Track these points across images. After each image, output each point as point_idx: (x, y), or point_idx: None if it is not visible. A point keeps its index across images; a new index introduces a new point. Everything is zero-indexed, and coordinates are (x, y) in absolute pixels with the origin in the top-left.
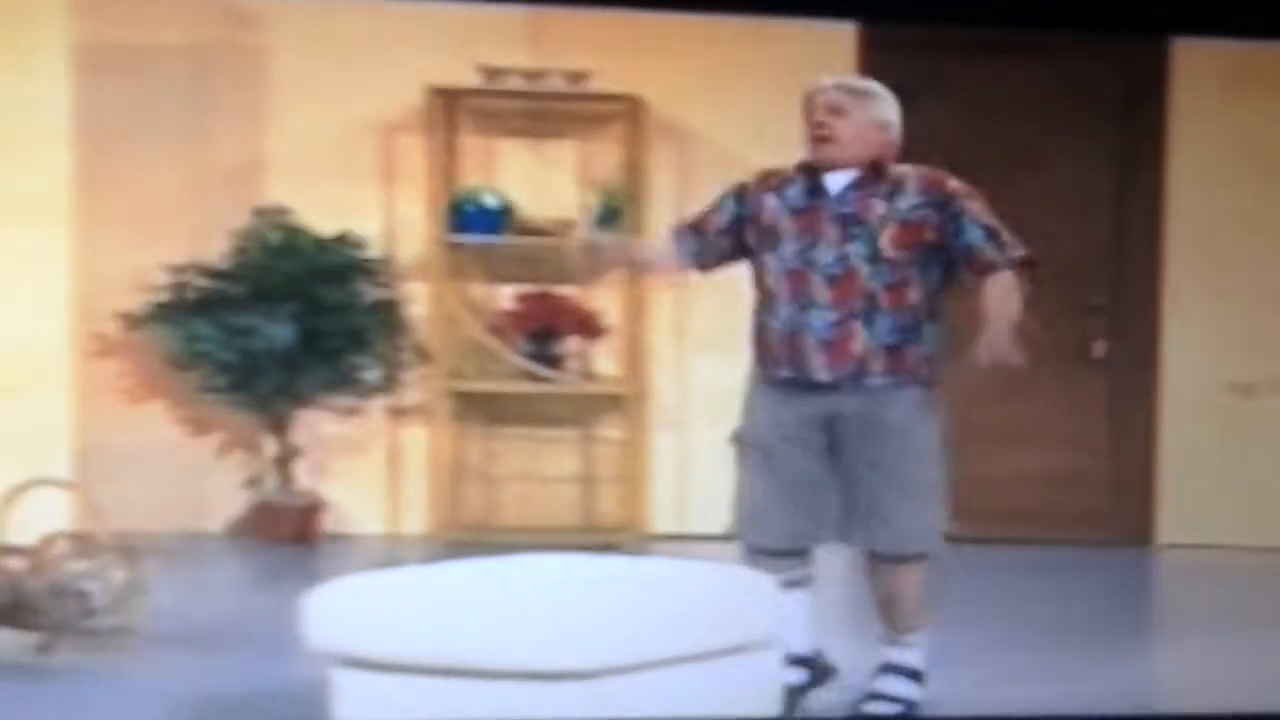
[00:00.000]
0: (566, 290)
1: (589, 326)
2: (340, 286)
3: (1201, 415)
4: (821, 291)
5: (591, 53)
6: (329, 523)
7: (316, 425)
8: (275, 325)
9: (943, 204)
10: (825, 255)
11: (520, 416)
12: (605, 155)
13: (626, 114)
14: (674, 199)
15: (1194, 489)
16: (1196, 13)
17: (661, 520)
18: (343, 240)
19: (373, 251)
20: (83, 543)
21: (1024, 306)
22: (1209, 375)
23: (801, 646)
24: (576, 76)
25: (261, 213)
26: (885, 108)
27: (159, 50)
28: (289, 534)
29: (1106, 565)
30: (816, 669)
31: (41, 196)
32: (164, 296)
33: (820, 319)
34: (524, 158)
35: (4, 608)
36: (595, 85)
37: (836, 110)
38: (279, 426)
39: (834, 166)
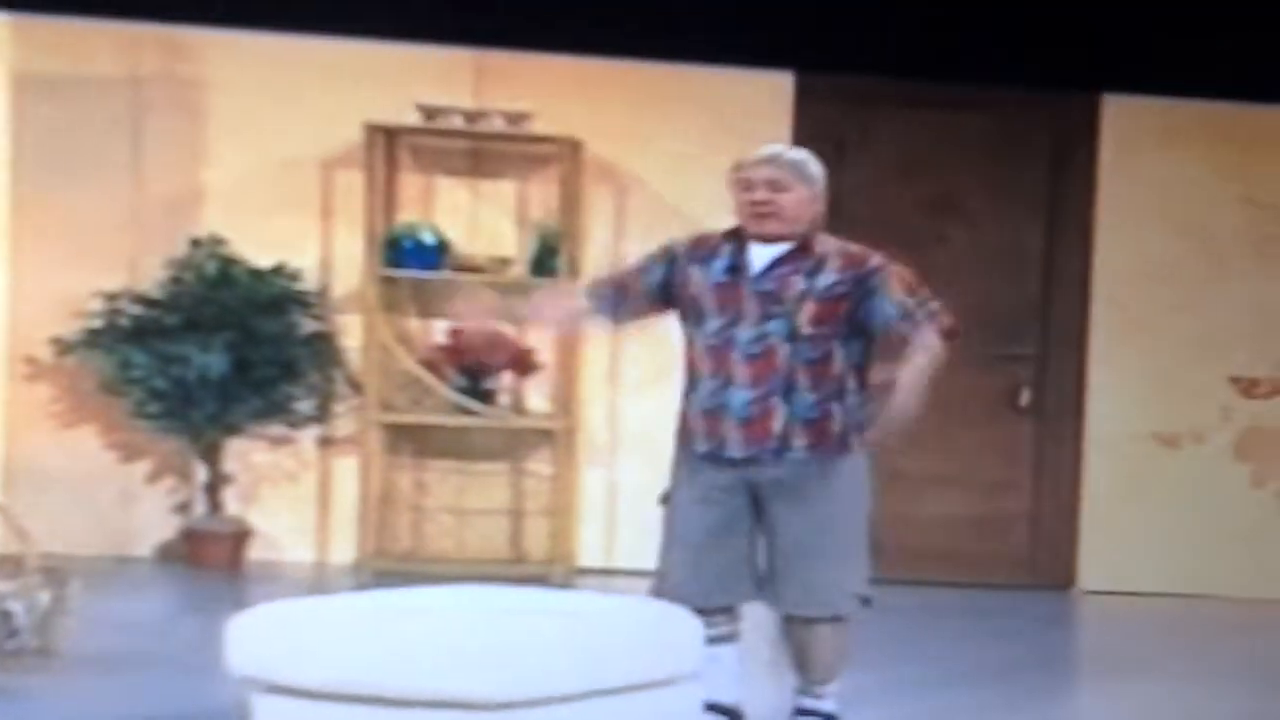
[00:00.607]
0: (501, 326)
1: (523, 362)
2: (275, 317)
3: (1124, 463)
4: (741, 370)
5: (531, 94)
6: (258, 550)
7: (248, 453)
8: (209, 354)
9: (861, 280)
10: (745, 333)
11: (451, 449)
12: (542, 195)
13: (564, 155)
14: (609, 239)
15: (1116, 536)
16: (1125, 70)
17: (589, 554)
18: (278, 272)
19: (308, 284)
20: (9, 564)
21: (937, 373)
22: (1132, 424)
23: (728, 697)
24: (516, 118)
25: (198, 243)
26: (818, 179)
27: (97, 81)
28: (218, 560)
29: (1028, 609)
30: None
31: None
32: (98, 323)
33: (738, 398)
34: (462, 196)
35: None
36: (534, 127)
37: (778, 186)
38: (210, 454)
39: (774, 240)
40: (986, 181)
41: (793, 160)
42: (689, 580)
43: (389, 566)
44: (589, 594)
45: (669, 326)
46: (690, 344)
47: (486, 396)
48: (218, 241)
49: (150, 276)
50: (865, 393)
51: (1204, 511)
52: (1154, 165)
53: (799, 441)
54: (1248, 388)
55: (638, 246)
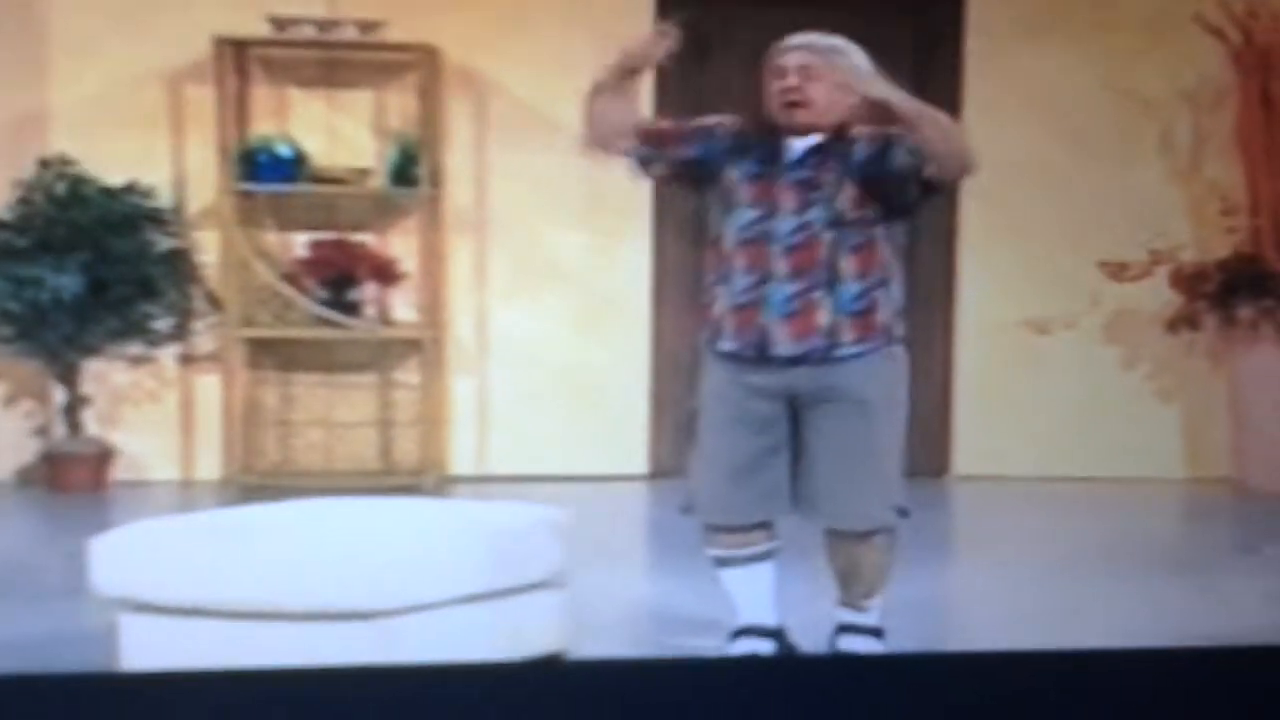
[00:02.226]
0: (362, 237)
1: (385, 273)
2: (129, 236)
3: (997, 352)
4: (780, 263)
5: (386, 2)
6: (121, 471)
7: (107, 374)
8: (63, 275)
9: (886, 144)
10: (784, 224)
11: (317, 363)
12: (400, 104)
13: (421, 63)
14: (471, 148)
15: (989, 423)
16: None
17: (461, 463)
18: (130, 190)
19: (162, 201)
20: None
21: (946, 139)
22: (1004, 313)
23: (768, 619)
24: (369, 26)
25: (46, 164)
26: (857, 65)
27: None
28: (80, 483)
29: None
30: (784, 644)
31: None
32: None
33: (779, 293)
34: (318, 107)
35: None
36: (389, 35)
37: (808, 73)
38: (68, 376)
39: (804, 132)
40: None
41: (828, 46)
42: (726, 499)
43: (257, 482)
44: (456, 501)
45: (538, 231)
46: (719, 238)
47: (351, 308)
48: (66, 161)
49: None
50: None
51: (1075, 395)
52: (1017, 57)
53: (847, 336)
54: (1116, 271)
55: (501, 154)
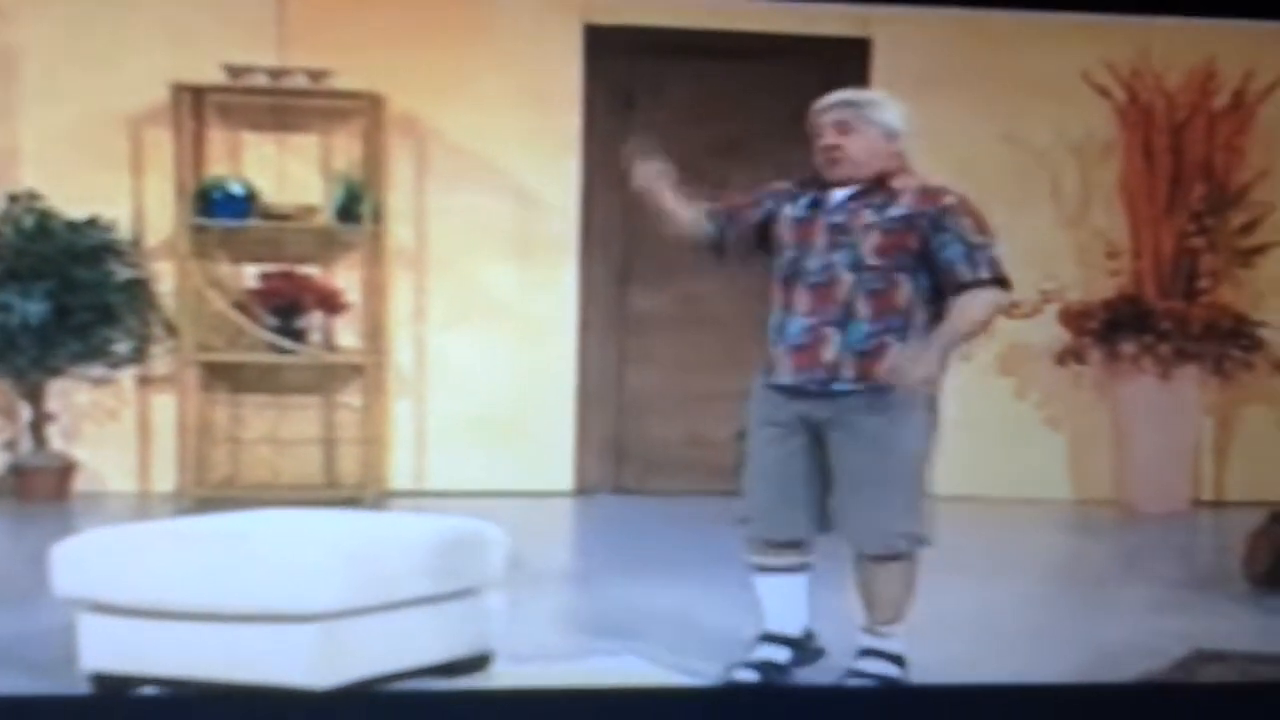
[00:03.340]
0: (309, 269)
1: (331, 302)
2: (92, 266)
3: None
4: (802, 298)
5: (334, 51)
6: (83, 483)
7: (70, 393)
8: (29, 302)
9: (933, 217)
10: (813, 263)
11: (266, 385)
12: (346, 147)
13: (365, 109)
14: (411, 188)
15: None
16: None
17: (399, 478)
18: (94, 224)
19: (122, 234)
20: None
21: (988, 324)
22: None
23: (792, 628)
24: (318, 74)
25: (15, 199)
26: (891, 116)
27: None
28: (44, 493)
29: None
30: (806, 650)
31: None
32: None
33: (795, 325)
34: (268, 149)
35: None
36: (336, 82)
37: (843, 129)
38: (34, 394)
39: (844, 183)
40: (765, 126)
41: (861, 101)
42: (762, 514)
43: (208, 494)
44: (397, 514)
45: (473, 266)
46: (771, 278)
47: (298, 335)
48: (34, 197)
49: None
50: (933, 327)
51: (971, 422)
52: (918, 107)
53: (848, 372)
54: (1009, 309)
55: (440, 196)
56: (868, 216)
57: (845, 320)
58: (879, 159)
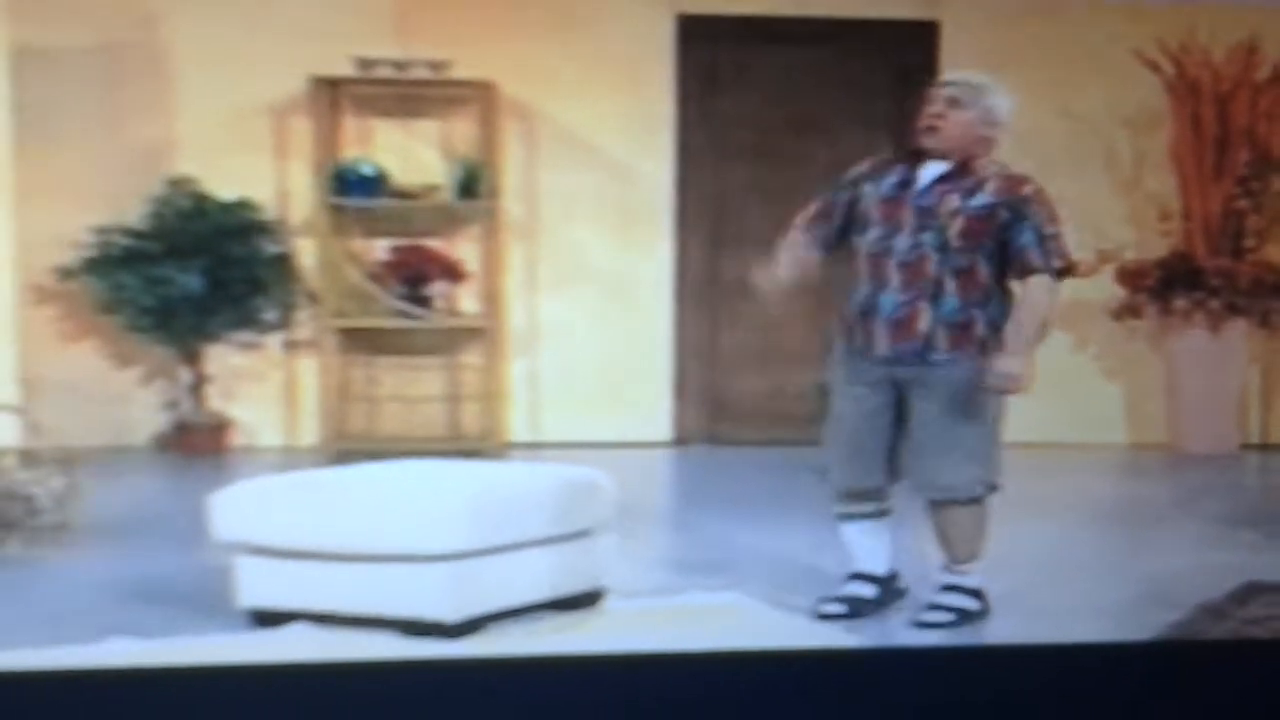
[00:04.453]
0: (433, 242)
1: (453, 272)
2: (242, 243)
3: None
4: (894, 275)
5: (450, 43)
6: (237, 437)
7: (224, 357)
8: (187, 275)
9: (1013, 205)
10: (902, 242)
11: (396, 347)
12: (464, 131)
13: (481, 97)
14: (523, 167)
15: None
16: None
17: (517, 431)
18: (243, 205)
19: (268, 214)
20: (29, 456)
21: (1051, 313)
22: None
23: (878, 568)
24: (439, 65)
25: (173, 183)
26: (999, 103)
27: (78, 50)
28: (203, 447)
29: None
30: (888, 589)
31: None
32: (93, 253)
33: (889, 300)
34: (395, 134)
35: None
36: (454, 72)
37: (953, 103)
38: (192, 359)
39: (934, 156)
40: (843, 105)
41: (978, 84)
42: (844, 464)
43: (347, 447)
44: (518, 463)
45: (578, 237)
46: (855, 254)
47: (424, 302)
48: (190, 181)
49: (135, 213)
50: (1007, 299)
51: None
52: None
53: (942, 343)
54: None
55: (548, 174)
56: (954, 202)
57: (936, 295)
58: (971, 140)
